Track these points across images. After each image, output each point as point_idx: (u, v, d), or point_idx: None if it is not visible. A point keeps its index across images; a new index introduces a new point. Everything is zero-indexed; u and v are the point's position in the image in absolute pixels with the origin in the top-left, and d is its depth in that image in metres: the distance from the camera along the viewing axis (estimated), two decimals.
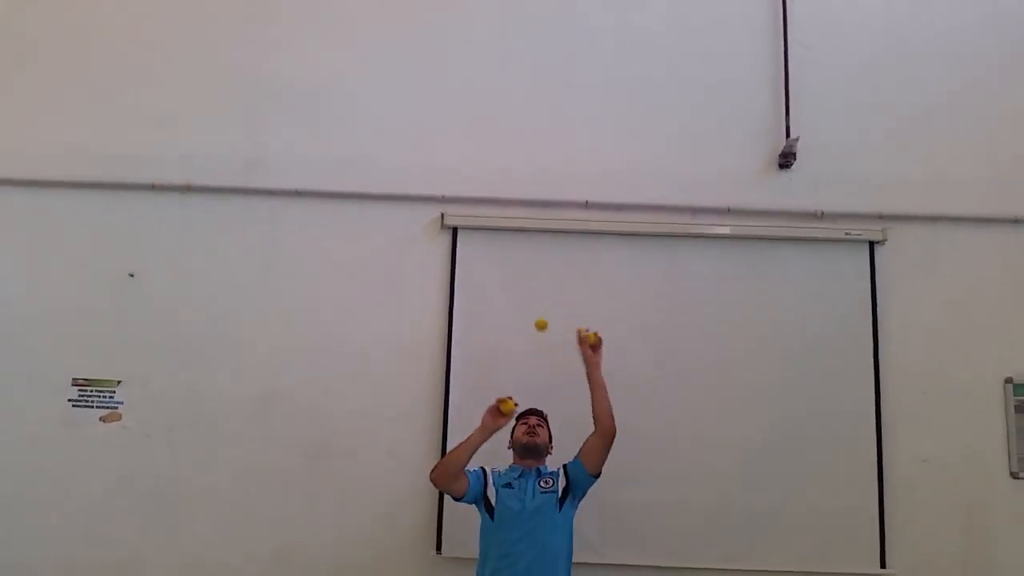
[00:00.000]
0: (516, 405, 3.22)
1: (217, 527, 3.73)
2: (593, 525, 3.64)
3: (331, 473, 3.77)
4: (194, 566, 3.70)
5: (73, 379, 3.82)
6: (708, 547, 3.69)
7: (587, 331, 3.25)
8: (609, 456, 3.38)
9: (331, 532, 3.74)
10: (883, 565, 3.66)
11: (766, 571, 3.67)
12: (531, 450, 3.27)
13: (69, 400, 3.81)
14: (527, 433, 3.29)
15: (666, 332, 3.86)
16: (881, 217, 3.96)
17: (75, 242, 3.94)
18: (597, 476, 3.20)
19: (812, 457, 3.74)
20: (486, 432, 3.16)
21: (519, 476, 3.22)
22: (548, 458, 3.35)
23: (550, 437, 3.37)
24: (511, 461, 3.33)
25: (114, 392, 3.82)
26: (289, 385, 3.83)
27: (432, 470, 3.16)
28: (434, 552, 3.69)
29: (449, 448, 3.65)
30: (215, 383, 3.83)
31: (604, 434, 3.15)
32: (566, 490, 3.18)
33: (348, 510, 3.75)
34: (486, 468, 3.25)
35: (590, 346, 3.24)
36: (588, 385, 3.22)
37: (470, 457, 3.13)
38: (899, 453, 3.77)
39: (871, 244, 3.93)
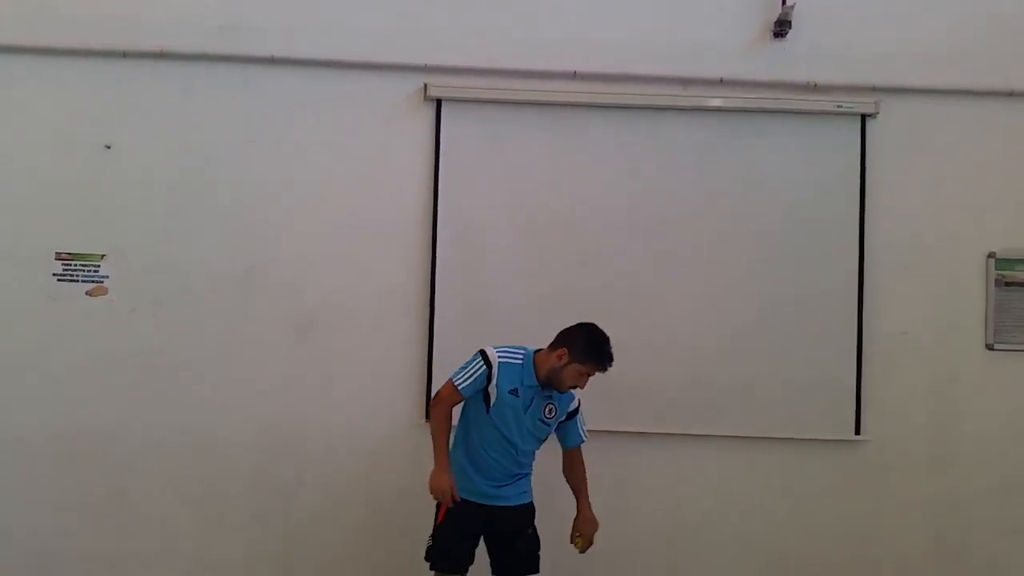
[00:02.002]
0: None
1: (204, 399, 3.79)
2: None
3: (317, 347, 3.80)
4: (180, 437, 3.78)
5: (56, 253, 3.79)
6: (684, 415, 3.78)
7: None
8: None
9: (318, 404, 3.80)
10: (857, 433, 3.78)
11: (740, 437, 3.79)
12: (559, 388, 3.10)
13: (54, 274, 3.78)
14: (580, 385, 3.05)
15: (652, 207, 3.83)
16: (875, 89, 3.86)
17: (47, 112, 3.81)
18: None
19: (793, 330, 3.79)
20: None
21: (530, 387, 3.04)
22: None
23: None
24: (518, 344, 3.13)
25: (99, 266, 3.80)
26: (273, 259, 3.81)
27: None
28: (423, 421, 3.75)
29: (437, 332, 3.75)
30: (199, 257, 3.80)
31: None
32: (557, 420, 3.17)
33: (335, 383, 3.80)
34: (492, 363, 3.02)
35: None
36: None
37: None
38: (879, 326, 3.82)
39: (863, 117, 3.85)
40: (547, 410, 3.09)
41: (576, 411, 3.20)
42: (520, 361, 3.05)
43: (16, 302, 3.78)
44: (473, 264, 3.80)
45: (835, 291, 3.81)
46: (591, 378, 3.04)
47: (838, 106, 3.85)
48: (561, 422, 3.17)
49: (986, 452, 3.81)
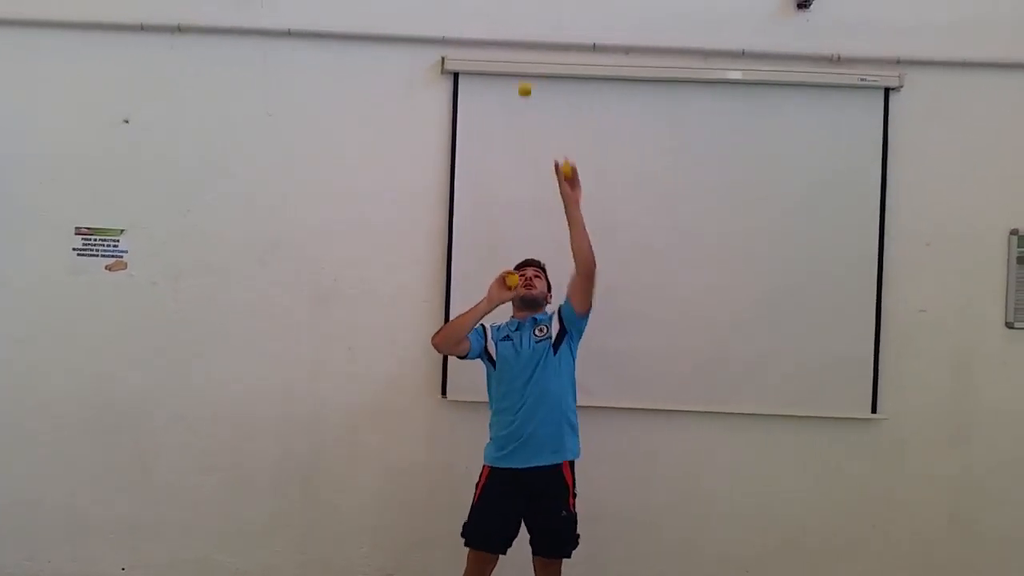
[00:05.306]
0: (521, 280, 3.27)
1: (225, 371, 3.83)
2: (590, 371, 3.71)
3: (337, 318, 3.83)
4: (202, 408, 3.84)
5: (76, 228, 3.82)
6: (699, 392, 3.79)
7: (567, 163, 3.12)
8: (607, 305, 3.51)
9: (339, 376, 3.84)
10: (874, 411, 3.78)
11: (755, 415, 3.79)
12: (529, 302, 3.32)
13: (74, 249, 3.82)
14: (524, 285, 3.31)
15: (671, 181, 3.81)
16: (899, 62, 3.80)
17: (66, 86, 3.82)
18: (585, 314, 3.23)
19: (810, 306, 3.78)
20: (492, 304, 3.20)
21: (516, 329, 3.31)
22: (548, 307, 3.40)
23: (548, 287, 3.41)
24: (511, 314, 3.40)
25: (118, 241, 3.83)
26: (292, 231, 3.83)
27: (434, 335, 3.24)
28: (439, 396, 3.81)
29: (453, 305, 3.73)
30: (218, 231, 3.83)
31: (583, 271, 3.16)
32: (560, 333, 3.25)
33: (355, 355, 3.83)
34: (485, 325, 3.31)
35: (567, 180, 3.14)
36: (567, 222, 3.17)
37: (473, 327, 3.20)
38: (898, 303, 3.80)
39: (886, 91, 3.79)
40: (537, 331, 3.28)
41: (560, 307, 3.29)
42: (505, 322, 3.37)
43: (39, 276, 3.82)
44: (490, 238, 3.79)
45: (854, 267, 3.78)
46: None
47: (861, 79, 3.79)
48: (561, 308, 3.27)
49: (1003, 431, 3.80)
